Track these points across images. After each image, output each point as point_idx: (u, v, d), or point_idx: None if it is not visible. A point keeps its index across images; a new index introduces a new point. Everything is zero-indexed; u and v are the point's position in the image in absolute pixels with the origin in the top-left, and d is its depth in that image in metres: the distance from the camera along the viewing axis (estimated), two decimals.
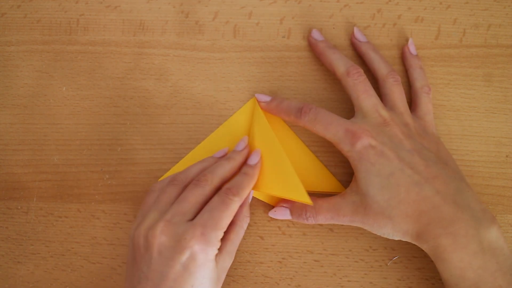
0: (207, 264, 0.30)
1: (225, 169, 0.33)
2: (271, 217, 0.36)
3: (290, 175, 0.35)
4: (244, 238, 0.36)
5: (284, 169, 0.36)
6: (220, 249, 0.31)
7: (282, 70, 0.39)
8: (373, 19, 0.39)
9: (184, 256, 0.29)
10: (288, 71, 0.38)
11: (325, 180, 0.36)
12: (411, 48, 0.37)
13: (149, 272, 0.29)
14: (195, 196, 0.31)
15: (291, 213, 0.35)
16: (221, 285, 0.32)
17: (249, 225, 0.36)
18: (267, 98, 0.36)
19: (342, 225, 0.36)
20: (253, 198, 0.36)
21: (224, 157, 0.35)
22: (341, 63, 0.35)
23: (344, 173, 0.37)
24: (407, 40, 0.39)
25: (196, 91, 0.39)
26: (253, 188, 0.36)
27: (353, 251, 0.36)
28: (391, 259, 0.36)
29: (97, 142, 0.38)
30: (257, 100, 0.37)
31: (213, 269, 0.30)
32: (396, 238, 0.32)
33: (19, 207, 0.38)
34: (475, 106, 0.38)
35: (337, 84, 0.38)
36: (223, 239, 0.31)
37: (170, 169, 0.37)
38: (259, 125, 0.37)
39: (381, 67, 0.35)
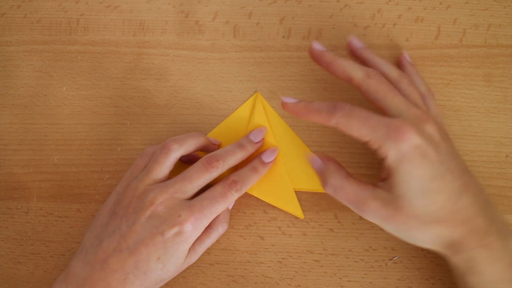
0: (184, 247, 0.31)
1: (237, 158, 0.34)
2: (271, 217, 0.36)
3: (285, 185, 0.36)
4: (244, 238, 0.36)
5: (280, 178, 0.36)
6: (191, 247, 0.32)
7: (282, 70, 0.39)
8: (373, 19, 0.39)
9: (171, 231, 0.30)
10: (288, 71, 0.39)
11: None
12: (407, 56, 0.37)
13: (128, 231, 0.30)
14: (201, 179, 0.32)
15: (321, 169, 0.32)
16: (175, 274, 0.32)
17: (249, 225, 0.36)
18: (293, 100, 0.33)
19: (342, 225, 0.36)
20: (253, 198, 0.36)
21: (238, 143, 0.34)
22: (356, 68, 0.32)
23: None
24: (407, 40, 0.39)
25: (196, 91, 0.39)
26: (247, 191, 0.36)
27: (353, 251, 0.36)
28: (391, 259, 0.36)
29: (97, 142, 0.38)
30: (283, 102, 0.33)
31: (185, 253, 0.31)
32: (421, 245, 0.30)
33: (19, 207, 0.38)
34: (475, 106, 0.38)
35: (338, 84, 0.38)
36: (196, 239, 0.32)
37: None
38: (259, 125, 0.37)
39: (391, 71, 0.33)
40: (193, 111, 0.38)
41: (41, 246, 0.37)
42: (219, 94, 0.38)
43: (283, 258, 0.36)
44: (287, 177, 0.36)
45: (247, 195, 0.37)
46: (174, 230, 0.30)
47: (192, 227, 0.30)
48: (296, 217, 0.36)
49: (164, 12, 0.40)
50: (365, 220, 0.36)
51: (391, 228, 0.30)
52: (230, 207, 0.36)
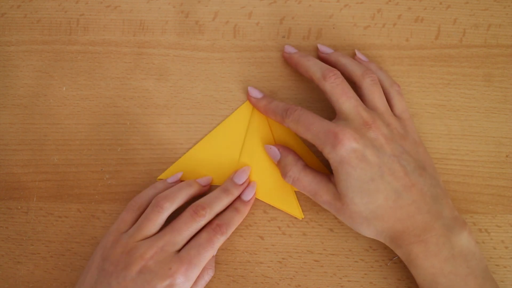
0: None
1: (223, 204, 0.34)
2: (271, 217, 0.36)
3: (284, 185, 0.36)
4: (244, 238, 0.36)
5: (280, 178, 0.36)
6: None
7: (282, 70, 0.39)
8: (373, 19, 0.39)
9: (163, 284, 0.30)
10: (288, 71, 0.39)
11: None
12: (360, 56, 0.37)
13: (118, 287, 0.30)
14: (189, 230, 0.32)
15: (279, 161, 0.35)
16: None
17: (249, 225, 0.36)
18: (258, 95, 0.37)
19: (342, 225, 0.36)
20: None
21: (222, 187, 0.35)
22: (316, 68, 0.34)
23: None
24: (407, 40, 0.39)
25: (196, 91, 0.39)
26: None
27: (353, 251, 0.36)
28: (391, 259, 0.36)
29: (97, 142, 0.38)
30: (248, 93, 0.37)
31: None
32: (370, 237, 0.32)
33: (19, 207, 0.38)
34: (475, 106, 0.38)
35: None
36: None
37: (167, 168, 0.37)
38: (259, 125, 0.37)
39: (355, 69, 0.34)
40: (193, 111, 0.38)
41: (41, 246, 0.37)
42: (219, 94, 0.38)
43: (283, 258, 0.36)
44: None
45: None
46: (166, 283, 0.30)
47: (183, 278, 0.30)
48: (296, 217, 0.36)
49: (164, 12, 0.40)
50: None
51: (342, 219, 0.33)
52: (240, 182, 0.35)
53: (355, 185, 0.31)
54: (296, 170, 0.33)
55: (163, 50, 0.39)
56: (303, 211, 0.36)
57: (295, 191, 0.36)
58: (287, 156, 0.34)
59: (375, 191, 0.31)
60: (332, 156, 0.31)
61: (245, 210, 0.35)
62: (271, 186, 0.36)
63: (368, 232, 0.32)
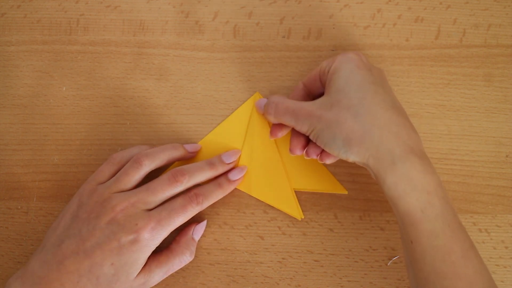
0: (139, 256, 0.31)
1: (205, 175, 0.34)
2: (271, 217, 0.36)
3: (284, 186, 0.36)
4: (244, 238, 0.36)
5: (279, 179, 0.36)
6: (147, 264, 0.32)
7: (282, 70, 0.39)
8: (373, 19, 0.39)
9: (127, 238, 0.30)
10: (288, 71, 0.39)
11: (325, 180, 0.36)
12: (259, 108, 0.36)
13: (87, 235, 0.30)
14: (165, 193, 0.32)
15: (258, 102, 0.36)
16: None
17: (249, 225, 0.36)
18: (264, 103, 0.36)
19: (342, 225, 0.36)
20: (253, 198, 0.37)
21: (208, 160, 0.35)
22: (258, 107, 0.36)
23: (344, 173, 0.37)
24: (407, 40, 0.39)
25: (196, 91, 0.39)
26: (246, 191, 0.36)
27: (353, 251, 0.36)
28: (391, 259, 0.36)
29: (97, 142, 0.38)
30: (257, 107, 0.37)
31: (139, 264, 0.31)
32: (340, 145, 0.29)
33: (19, 207, 0.38)
34: (475, 106, 0.38)
35: None
36: (154, 259, 0.32)
37: (167, 168, 0.37)
38: (259, 125, 0.37)
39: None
40: (193, 111, 0.38)
41: None
42: (219, 94, 0.38)
43: (283, 258, 0.36)
44: (286, 178, 0.36)
45: (247, 196, 0.37)
46: (130, 237, 0.30)
47: (148, 236, 0.31)
48: (296, 218, 0.36)
49: (164, 12, 0.40)
50: (365, 220, 0.36)
51: (322, 126, 0.30)
52: (197, 238, 0.35)
53: (356, 79, 0.30)
54: (278, 96, 0.33)
55: (163, 50, 0.39)
56: (303, 211, 0.36)
57: (295, 191, 0.36)
58: (272, 95, 0.34)
59: (374, 92, 0.30)
60: (339, 58, 0.32)
61: (227, 188, 0.35)
62: (271, 187, 0.36)
63: (347, 133, 0.29)
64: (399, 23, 0.39)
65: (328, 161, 0.33)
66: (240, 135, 0.37)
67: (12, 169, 0.38)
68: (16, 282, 0.30)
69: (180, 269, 0.35)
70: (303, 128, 0.31)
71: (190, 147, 0.36)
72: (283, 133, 0.35)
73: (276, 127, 0.35)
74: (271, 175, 0.36)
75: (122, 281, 0.30)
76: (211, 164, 0.34)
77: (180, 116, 0.38)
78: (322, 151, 0.32)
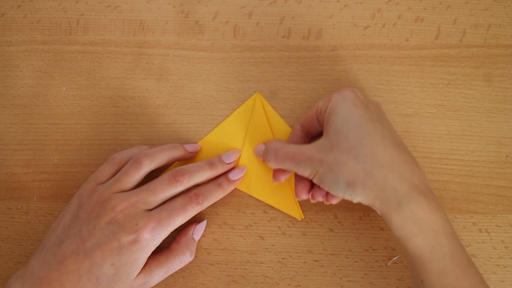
0: (139, 256, 0.31)
1: (204, 175, 0.34)
2: (271, 217, 0.36)
3: (284, 186, 0.36)
4: (244, 238, 0.36)
5: None
6: (147, 264, 0.32)
7: (282, 70, 0.39)
8: (373, 19, 0.39)
9: (127, 238, 0.30)
10: (288, 71, 0.39)
11: (284, 199, 0.36)
12: (257, 154, 0.36)
13: (87, 235, 0.30)
14: (164, 193, 0.32)
15: (263, 149, 0.34)
16: None
17: (249, 225, 0.36)
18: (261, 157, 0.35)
19: (342, 225, 0.36)
20: (253, 198, 0.37)
21: (208, 160, 0.35)
22: (257, 152, 0.35)
23: None
24: (407, 40, 0.39)
25: (196, 91, 0.39)
26: (246, 191, 0.36)
27: (353, 251, 0.36)
28: (391, 259, 0.36)
29: (97, 142, 0.38)
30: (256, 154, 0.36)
31: (139, 264, 0.31)
32: (343, 187, 0.29)
33: (19, 207, 0.38)
34: (475, 106, 0.38)
35: (337, 85, 0.38)
36: (154, 259, 0.32)
37: (167, 169, 0.37)
38: (259, 125, 0.37)
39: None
40: (193, 111, 0.38)
41: None
42: (219, 94, 0.38)
43: (283, 258, 0.36)
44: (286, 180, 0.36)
45: (247, 196, 0.37)
46: (131, 237, 0.30)
47: (148, 236, 0.31)
48: (296, 218, 0.36)
49: (164, 12, 0.40)
50: (365, 220, 0.36)
51: (324, 169, 0.30)
52: (197, 238, 0.35)
53: (353, 118, 0.30)
54: (277, 142, 0.33)
55: (163, 50, 0.39)
56: (303, 211, 0.36)
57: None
58: (270, 140, 0.34)
59: (372, 129, 0.30)
60: (335, 97, 0.32)
61: (227, 188, 0.35)
62: (271, 187, 0.36)
63: (349, 176, 0.29)
64: (399, 23, 0.39)
65: (334, 201, 0.33)
66: (240, 135, 0.37)
67: (12, 169, 0.38)
68: (16, 282, 0.30)
69: (180, 269, 0.35)
70: (305, 173, 0.31)
71: (190, 147, 0.36)
72: (286, 177, 0.34)
73: (278, 171, 0.34)
74: (271, 175, 0.36)
75: (122, 281, 0.30)
76: (211, 164, 0.34)
77: (180, 116, 0.38)
78: (327, 192, 0.32)
